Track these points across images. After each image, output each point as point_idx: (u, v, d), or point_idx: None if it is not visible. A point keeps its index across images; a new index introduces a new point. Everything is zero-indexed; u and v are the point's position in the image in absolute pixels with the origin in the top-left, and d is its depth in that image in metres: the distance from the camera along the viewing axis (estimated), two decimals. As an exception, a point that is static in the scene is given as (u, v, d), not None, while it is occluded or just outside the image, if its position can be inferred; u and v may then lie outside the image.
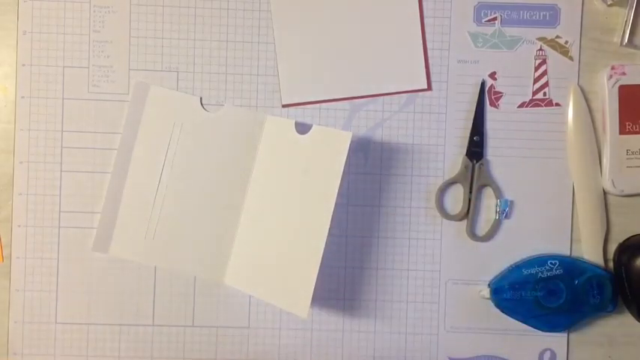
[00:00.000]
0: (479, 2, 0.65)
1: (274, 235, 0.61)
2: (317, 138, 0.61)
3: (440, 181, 0.64)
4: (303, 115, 0.64)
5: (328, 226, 0.57)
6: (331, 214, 0.57)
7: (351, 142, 0.58)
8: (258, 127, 0.63)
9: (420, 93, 0.65)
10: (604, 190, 0.64)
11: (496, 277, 0.64)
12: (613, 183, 0.63)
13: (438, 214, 0.64)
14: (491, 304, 0.63)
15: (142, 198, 0.63)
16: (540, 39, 0.65)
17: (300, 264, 0.59)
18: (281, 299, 0.59)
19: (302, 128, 0.61)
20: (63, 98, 0.64)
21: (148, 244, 0.63)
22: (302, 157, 0.61)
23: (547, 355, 0.64)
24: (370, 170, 0.64)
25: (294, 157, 0.61)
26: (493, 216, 0.64)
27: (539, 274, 0.62)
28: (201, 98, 0.64)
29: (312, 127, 0.61)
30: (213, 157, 0.63)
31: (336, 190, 0.58)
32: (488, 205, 0.65)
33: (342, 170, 0.58)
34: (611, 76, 0.63)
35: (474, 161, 0.64)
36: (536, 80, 0.65)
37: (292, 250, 0.59)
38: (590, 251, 0.64)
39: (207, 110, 0.64)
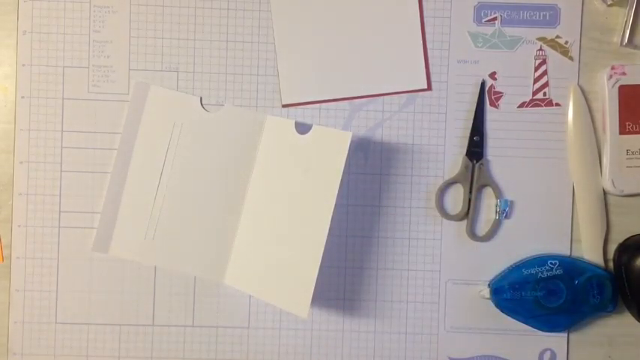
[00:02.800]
0: (479, 2, 0.65)
1: (274, 235, 0.61)
2: (317, 138, 0.61)
3: (440, 181, 0.64)
4: (303, 115, 0.64)
5: (328, 226, 0.57)
6: (331, 214, 0.57)
7: (351, 142, 0.58)
8: (258, 127, 0.63)
9: (420, 93, 0.65)
10: (604, 190, 0.64)
11: (496, 277, 0.64)
12: (613, 183, 0.63)
13: (438, 214, 0.64)
14: (491, 304, 0.63)
15: (142, 198, 0.63)
16: (540, 39, 0.65)
17: (300, 264, 0.58)
18: (281, 299, 0.59)
19: (302, 128, 0.61)
20: (63, 98, 0.64)
21: (148, 244, 0.63)
22: (302, 157, 0.61)
23: (547, 355, 0.64)
24: (370, 170, 0.64)
25: (294, 157, 0.61)
26: (493, 216, 0.64)
27: (539, 274, 0.62)
28: (201, 98, 0.64)
29: (312, 127, 0.61)
30: (213, 157, 0.63)
31: (336, 190, 0.58)
32: (489, 205, 0.65)
33: (342, 170, 0.58)
34: (611, 76, 0.63)
35: (474, 161, 0.64)
36: (536, 80, 0.64)
37: (292, 250, 0.59)
38: (590, 251, 0.64)
39: (207, 110, 0.64)
